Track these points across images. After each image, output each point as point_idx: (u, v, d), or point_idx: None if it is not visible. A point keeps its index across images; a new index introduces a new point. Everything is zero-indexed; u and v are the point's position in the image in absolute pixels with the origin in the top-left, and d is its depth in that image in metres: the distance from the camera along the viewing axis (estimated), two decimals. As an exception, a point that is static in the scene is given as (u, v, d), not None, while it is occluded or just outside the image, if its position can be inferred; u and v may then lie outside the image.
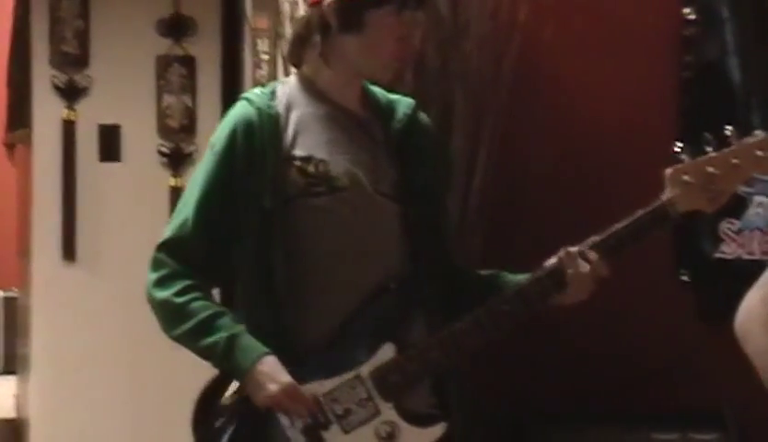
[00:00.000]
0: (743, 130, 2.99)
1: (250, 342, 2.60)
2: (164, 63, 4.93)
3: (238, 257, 2.75)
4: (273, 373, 2.59)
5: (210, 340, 2.61)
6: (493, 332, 2.67)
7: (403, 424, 2.63)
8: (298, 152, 2.65)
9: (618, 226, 2.68)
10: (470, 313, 2.63)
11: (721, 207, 2.74)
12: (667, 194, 2.67)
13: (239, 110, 2.71)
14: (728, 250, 4.00)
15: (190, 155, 5.15)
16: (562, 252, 2.65)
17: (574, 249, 2.66)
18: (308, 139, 2.72)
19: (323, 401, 2.60)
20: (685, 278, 3.98)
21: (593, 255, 2.64)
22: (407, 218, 2.75)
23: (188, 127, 4.95)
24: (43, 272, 5.05)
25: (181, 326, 2.64)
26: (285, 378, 2.55)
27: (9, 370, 6.51)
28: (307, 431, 2.59)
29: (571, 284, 2.62)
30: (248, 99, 2.71)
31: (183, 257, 2.68)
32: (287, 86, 2.78)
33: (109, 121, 4.83)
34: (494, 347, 2.79)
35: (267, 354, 2.56)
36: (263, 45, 4.35)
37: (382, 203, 2.72)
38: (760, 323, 2.55)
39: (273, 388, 2.56)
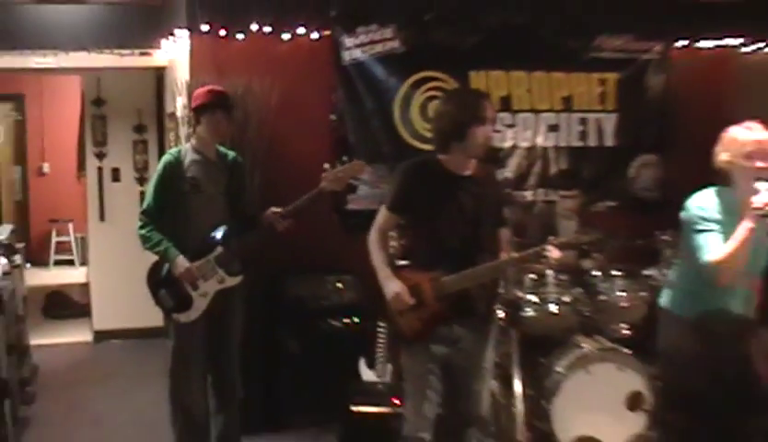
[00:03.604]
0: (356, 155, 5.91)
1: (174, 250, 5.17)
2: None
3: (167, 216, 5.21)
4: (182, 262, 5.19)
5: (160, 248, 5.20)
6: (264, 239, 5.27)
7: (227, 276, 5.28)
8: (189, 174, 5.24)
9: (303, 197, 5.16)
10: (251, 235, 5.26)
11: (342, 189, 5.45)
12: (323, 183, 5.11)
13: (167, 157, 5.31)
14: (355, 206, 6.87)
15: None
16: (270, 216, 5.18)
17: (278, 211, 5.15)
18: (194, 169, 5.26)
19: (197, 269, 5.18)
20: (336, 216, 6.79)
21: (288, 215, 5.17)
22: (229, 202, 5.31)
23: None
24: None
25: (147, 243, 5.23)
26: (187, 263, 5.16)
27: None
28: (191, 285, 5.21)
29: (277, 224, 5.17)
30: (170, 153, 5.32)
31: (148, 216, 5.22)
32: (186, 147, 5.34)
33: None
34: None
35: (179, 254, 5.17)
36: (181, 132, 6.98)
37: (220, 194, 5.30)
38: (372, 241, 4.67)
39: (182, 266, 5.16)
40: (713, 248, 4.16)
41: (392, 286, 4.53)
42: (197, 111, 5.35)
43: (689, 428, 4.16)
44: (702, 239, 4.21)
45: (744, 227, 4.07)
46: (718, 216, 4.23)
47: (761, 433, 4.45)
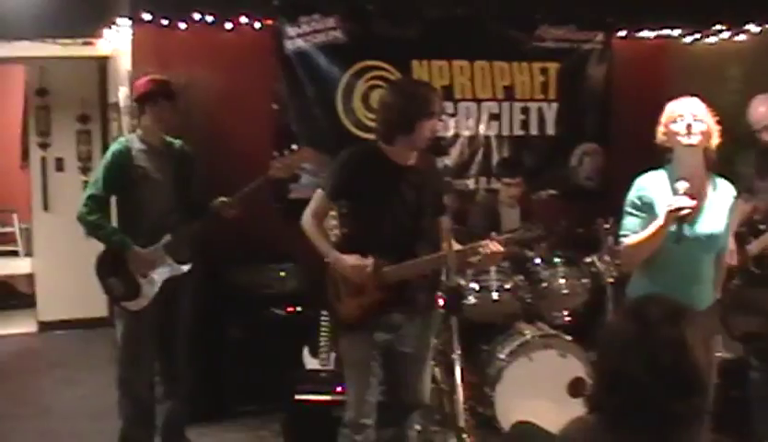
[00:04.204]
0: (299, 144, 5.71)
1: (127, 239, 5.24)
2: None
3: (117, 204, 5.37)
4: (139, 250, 5.26)
5: (114, 237, 5.26)
6: (211, 228, 5.42)
7: (175, 264, 5.39)
8: (137, 163, 5.28)
9: (250, 185, 5.27)
10: (199, 223, 5.38)
11: (289, 176, 5.71)
12: (271, 171, 5.25)
13: (116, 145, 5.37)
14: (297, 195, 6.77)
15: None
16: (218, 205, 5.34)
17: (225, 200, 5.33)
18: (142, 158, 5.32)
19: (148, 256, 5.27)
20: (278, 206, 6.80)
21: (236, 203, 5.34)
22: (177, 190, 5.37)
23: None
24: None
25: (98, 232, 5.28)
26: (142, 251, 5.24)
27: None
28: (141, 273, 5.31)
29: (225, 213, 5.38)
30: (119, 142, 5.36)
31: (96, 202, 5.25)
32: (134, 136, 5.38)
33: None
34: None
35: (131, 243, 5.22)
36: (124, 122, 7.11)
37: (168, 183, 5.35)
38: (308, 223, 4.71)
39: (139, 255, 5.25)
40: (626, 231, 4.28)
41: (348, 260, 4.54)
42: (139, 102, 5.36)
43: (624, 411, 4.18)
44: (624, 221, 4.33)
45: (655, 225, 4.13)
46: (653, 198, 4.27)
47: (695, 416, 4.46)
